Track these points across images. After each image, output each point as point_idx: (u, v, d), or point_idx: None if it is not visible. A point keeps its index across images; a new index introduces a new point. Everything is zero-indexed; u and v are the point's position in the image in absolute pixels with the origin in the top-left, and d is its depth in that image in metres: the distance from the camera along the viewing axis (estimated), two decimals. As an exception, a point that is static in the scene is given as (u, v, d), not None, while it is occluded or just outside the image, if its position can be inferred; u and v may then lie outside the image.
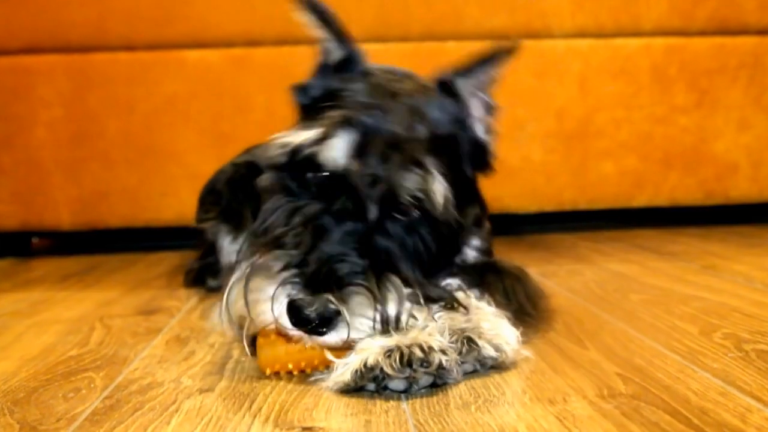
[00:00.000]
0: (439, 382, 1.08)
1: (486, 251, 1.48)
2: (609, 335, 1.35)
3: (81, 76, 2.53)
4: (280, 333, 1.11)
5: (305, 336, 1.08)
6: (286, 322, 1.07)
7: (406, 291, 1.12)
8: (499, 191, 2.58)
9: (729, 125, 2.70)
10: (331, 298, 1.06)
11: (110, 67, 2.53)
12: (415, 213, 1.18)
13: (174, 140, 2.57)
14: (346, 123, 1.17)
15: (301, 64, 2.54)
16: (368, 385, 1.07)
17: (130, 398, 1.09)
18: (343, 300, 1.07)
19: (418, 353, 1.06)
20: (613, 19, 2.62)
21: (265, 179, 1.26)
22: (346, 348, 1.10)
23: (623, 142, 2.67)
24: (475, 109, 1.35)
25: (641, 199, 2.73)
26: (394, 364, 1.05)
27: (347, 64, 1.36)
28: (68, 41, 2.53)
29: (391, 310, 1.10)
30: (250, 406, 1.04)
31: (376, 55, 2.64)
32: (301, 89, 1.39)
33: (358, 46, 1.37)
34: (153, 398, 1.09)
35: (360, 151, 1.15)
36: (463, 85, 1.33)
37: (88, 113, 2.54)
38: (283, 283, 1.07)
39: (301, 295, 1.06)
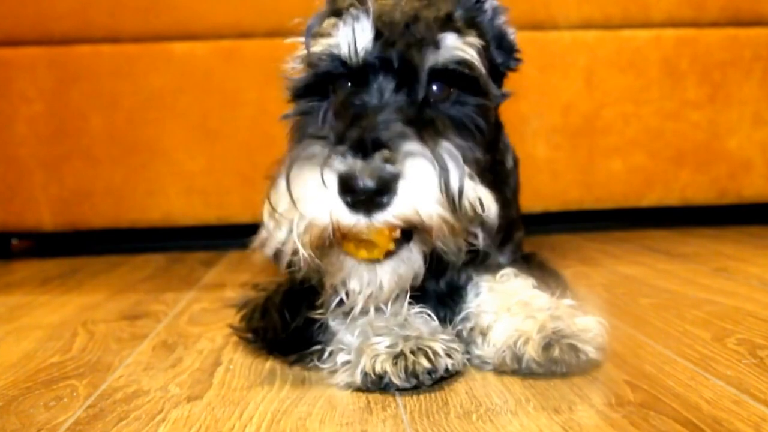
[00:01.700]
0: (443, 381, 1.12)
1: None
2: (617, 341, 1.35)
3: (63, 69, 2.53)
4: (338, 233, 1.02)
5: (365, 220, 0.99)
6: (342, 210, 0.99)
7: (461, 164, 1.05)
8: (502, 190, 2.58)
9: (743, 120, 2.70)
10: (385, 154, 0.98)
11: (94, 60, 2.53)
12: (455, 87, 1.14)
13: (160, 137, 2.57)
14: (358, 3, 1.15)
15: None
16: (374, 388, 1.10)
17: (114, 407, 1.09)
18: (401, 159, 0.99)
19: (425, 363, 1.09)
20: (621, 10, 2.62)
21: (290, 113, 1.23)
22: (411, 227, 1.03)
23: (632, 139, 2.67)
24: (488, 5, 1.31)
25: (651, 198, 2.73)
26: (401, 374, 1.08)
27: None
28: (50, 33, 2.52)
29: (454, 179, 1.02)
30: (241, 415, 1.04)
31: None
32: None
33: None
34: (138, 407, 1.09)
35: (386, 26, 1.12)
36: None
37: (71, 109, 2.54)
38: (326, 162, 0.99)
39: (350, 164, 0.98)
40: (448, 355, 1.11)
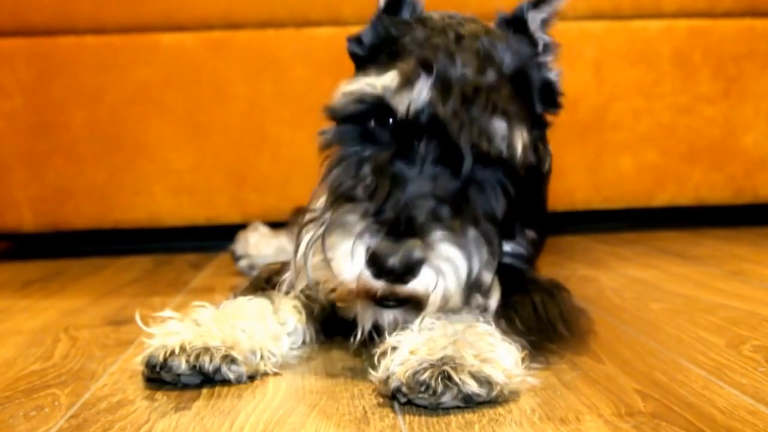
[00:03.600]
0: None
1: (523, 258, 1.47)
2: (627, 348, 1.35)
3: (44, 62, 2.53)
4: (362, 291, 1.16)
5: (388, 286, 1.14)
6: (367, 276, 1.13)
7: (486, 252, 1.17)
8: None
9: (759, 116, 2.70)
10: (416, 243, 1.11)
11: (76, 52, 2.53)
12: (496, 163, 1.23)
13: (146, 132, 2.57)
14: (421, 67, 1.21)
15: (286, 48, 2.55)
16: (401, 399, 1.09)
17: (98, 417, 1.09)
18: (430, 247, 1.12)
19: (447, 384, 1.06)
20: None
21: (327, 133, 1.31)
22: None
23: (643, 135, 2.68)
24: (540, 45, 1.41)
25: (662, 197, 2.73)
26: (423, 397, 1.06)
27: (398, 4, 1.39)
28: (30, 23, 2.52)
29: (476, 267, 1.16)
30: (231, 426, 1.04)
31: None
32: (355, 40, 1.40)
33: None
34: (124, 417, 1.09)
35: (442, 97, 1.19)
36: (533, 20, 1.40)
37: (52, 103, 2.54)
38: (360, 235, 1.13)
39: (383, 244, 1.11)
40: (474, 376, 1.07)
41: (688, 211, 2.85)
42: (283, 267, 1.54)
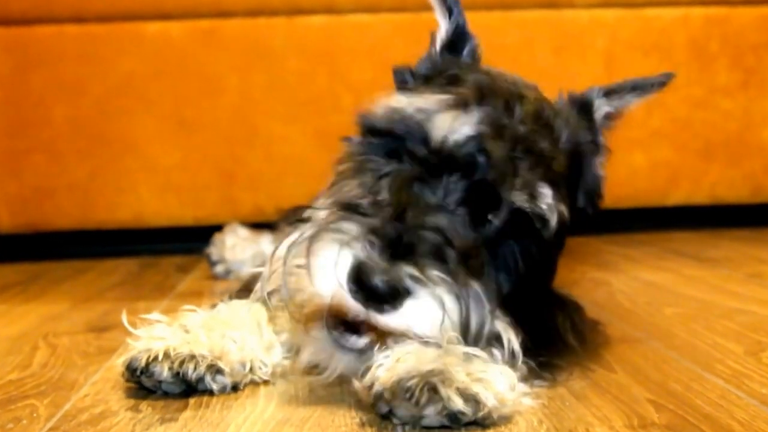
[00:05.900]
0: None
1: None
2: (640, 355, 1.35)
3: (22, 53, 2.53)
4: (336, 313, 1.10)
5: (362, 311, 1.06)
6: (344, 292, 1.06)
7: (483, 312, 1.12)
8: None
9: (779, 110, 2.71)
10: (411, 271, 1.05)
11: (56, 42, 2.53)
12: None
13: (131, 128, 2.57)
14: (476, 99, 1.19)
15: (279, 38, 2.55)
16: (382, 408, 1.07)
17: (79, 430, 1.09)
18: (423, 283, 1.06)
19: (432, 396, 1.03)
20: (645, -14, 2.63)
21: (353, 141, 1.28)
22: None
23: (656, 130, 2.67)
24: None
25: (677, 196, 2.73)
26: (405, 406, 1.04)
27: (458, 43, 1.39)
28: (7, 12, 2.52)
29: (473, 322, 1.11)
30: (220, 439, 1.04)
31: (366, 28, 2.63)
32: (407, 71, 1.39)
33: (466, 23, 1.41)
34: (106, 429, 1.08)
35: (492, 138, 1.15)
36: (599, 108, 1.46)
37: (31, 96, 2.54)
38: (350, 245, 1.06)
39: (372, 259, 1.04)
40: (462, 394, 1.04)
41: (703, 211, 2.85)
42: None
